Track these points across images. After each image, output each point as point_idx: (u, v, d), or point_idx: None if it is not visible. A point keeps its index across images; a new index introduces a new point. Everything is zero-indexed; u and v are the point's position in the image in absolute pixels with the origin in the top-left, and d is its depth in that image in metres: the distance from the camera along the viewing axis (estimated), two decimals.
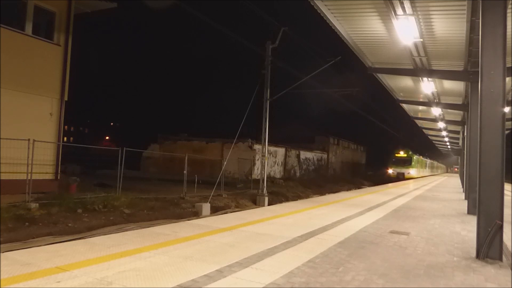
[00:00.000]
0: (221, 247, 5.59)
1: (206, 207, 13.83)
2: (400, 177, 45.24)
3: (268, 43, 18.51)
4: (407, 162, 49.18)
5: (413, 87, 17.54)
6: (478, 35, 6.04)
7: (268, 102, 18.53)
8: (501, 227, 5.49)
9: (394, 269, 4.89)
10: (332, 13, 9.66)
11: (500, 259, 5.48)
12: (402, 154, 50.13)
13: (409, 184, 30.64)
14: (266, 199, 18.09)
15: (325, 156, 45.93)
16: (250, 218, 8.40)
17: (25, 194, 11.04)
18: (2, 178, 11.68)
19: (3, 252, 4.81)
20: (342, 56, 18.34)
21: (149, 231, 6.64)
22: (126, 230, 7.85)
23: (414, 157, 50.56)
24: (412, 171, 48.74)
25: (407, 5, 8.47)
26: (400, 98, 20.41)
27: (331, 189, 28.15)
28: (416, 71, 13.59)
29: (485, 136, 5.69)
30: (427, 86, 15.85)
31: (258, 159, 28.47)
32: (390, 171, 49.50)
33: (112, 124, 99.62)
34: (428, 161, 71.26)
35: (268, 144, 19.31)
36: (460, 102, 18.98)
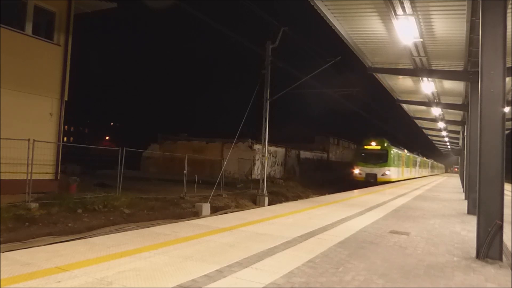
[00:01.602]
0: (221, 247, 5.58)
1: (206, 207, 13.84)
2: (370, 180, 29.94)
3: (268, 43, 18.53)
4: (381, 158, 31.48)
5: (413, 87, 17.54)
6: (478, 35, 6.04)
7: (268, 102, 18.54)
8: (501, 227, 5.49)
9: (394, 269, 4.89)
10: (332, 13, 9.66)
11: (500, 259, 5.48)
12: (373, 145, 32.36)
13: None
14: (266, 199, 18.10)
15: (325, 156, 45.95)
16: (250, 218, 8.40)
17: (25, 194, 11.04)
18: (2, 178, 11.68)
19: (3, 252, 4.81)
20: (342, 56, 18.38)
21: (149, 231, 6.64)
22: (126, 230, 7.86)
23: (392, 151, 32.43)
24: (389, 172, 31.20)
25: (407, 5, 8.47)
26: (400, 98, 20.42)
27: (331, 189, 28.18)
28: (416, 71, 13.59)
29: (485, 136, 5.69)
30: (427, 86, 15.85)
31: (258, 159, 28.48)
32: (356, 171, 32.01)
33: (112, 124, 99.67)
34: (419, 158, 52.01)
35: (268, 144, 19.32)
36: (460, 102, 18.98)
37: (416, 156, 48.96)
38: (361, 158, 32.36)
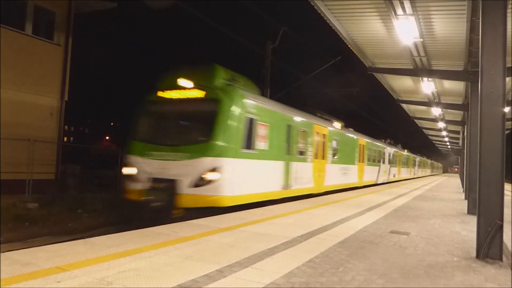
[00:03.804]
0: (221, 247, 5.59)
1: None
2: (154, 203, 8.65)
3: (268, 43, 18.55)
4: (200, 125, 9.71)
5: (413, 87, 17.54)
6: (478, 35, 6.04)
7: None
8: (501, 227, 5.49)
9: (394, 269, 4.89)
10: (332, 13, 9.67)
11: (500, 259, 5.49)
12: (182, 86, 9.50)
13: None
14: None
15: None
16: (250, 218, 8.40)
17: (25, 194, 11.05)
18: (2, 178, 11.69)
19: (3, 252, 4.81)
20: (342, 56, 18.40)
21: (149, 231, 6.64)
22: (126, 230, 7.85)
23: (244, 101, 9.69)
24: (225, 174, 8.84)
25: (407, 5, 8.48)
26: (400, 98, 20.43)
27: None
28: (416, 71, 13.60)
29: (485, 136, 5.69)
30: (427, 86, 15.86)
31: None
32: (125, 170, 9.33)
33: (112, 124, 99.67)
34: (392, 150, 31.51)
35: None
36: (460, 102, 18.98)
37: (381, 145, 28.08)
38: (142, 130, 10.11)
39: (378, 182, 26.40)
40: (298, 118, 13.48)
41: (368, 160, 23.81)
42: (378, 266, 4.99)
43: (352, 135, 20.78)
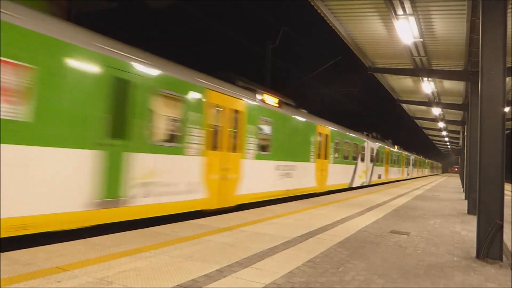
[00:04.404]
0: (221, 247, 5.59)
1: None
2: None
3: (268, 43, 18.57)
4: None
5: (413, 87, 17.55)
6: (478, 35, 6.05)
7: None
8: (501, 227, 5.50)
9: (394, 269, 4.89)
10: (332, 13, 9.68)
11: (500, 259, 5.49)
12: None
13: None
14: None
15: None
16: (250, 218, 8.41)
17: None
18: None
19: (3, 252, 4.81)
20: (342, 56, 18.42)
21: (149, 231, 6.64)
22: (126, 230, 7.86)
23: None
24: None
25: (407, 5, 8.48)
26: (400, 98, 20.44)
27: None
28: (416, 71, 13.61)
29: (485, 136, 5.70)
30: (427, 86, 15.87)
31: None
32: None
33: None
34: (374, 145, 25.14)
35: None
36: (460, 102, 18.99)
37: (359, 138, 22.11)
38: None
39: (354, 185, 20.91)
40: (155, 70, 7.70)
41: (336, 156, 17.93)
42: (378, 266, 4.99)
43: (305, 119, 14.59)
